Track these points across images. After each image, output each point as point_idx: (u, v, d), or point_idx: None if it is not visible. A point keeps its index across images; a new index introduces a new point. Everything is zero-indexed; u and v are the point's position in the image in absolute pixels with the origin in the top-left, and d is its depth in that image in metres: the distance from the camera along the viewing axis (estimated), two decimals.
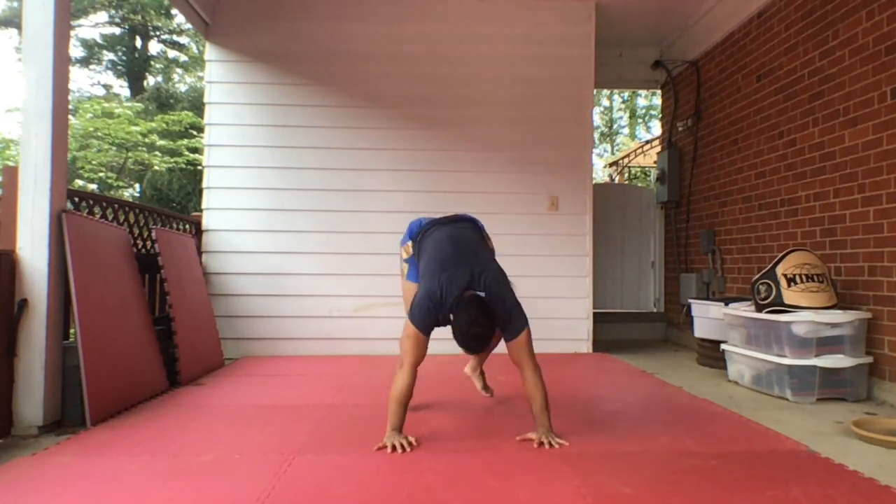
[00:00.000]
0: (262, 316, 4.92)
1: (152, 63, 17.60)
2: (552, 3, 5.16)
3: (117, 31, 16.81)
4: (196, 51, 16.78)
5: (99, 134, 12.24)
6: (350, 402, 3.28)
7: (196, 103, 14.27)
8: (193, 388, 3.61)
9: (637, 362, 4.68)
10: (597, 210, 5.34)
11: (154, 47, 17.80)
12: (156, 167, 13.41)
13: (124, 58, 16.94)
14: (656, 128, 16.09)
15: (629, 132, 19.72)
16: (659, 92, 6.96)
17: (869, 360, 3.38)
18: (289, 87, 5.06)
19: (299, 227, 5.00)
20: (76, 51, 15.95)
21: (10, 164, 3.37)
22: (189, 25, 5.56)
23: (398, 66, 5.10)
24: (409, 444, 2.39)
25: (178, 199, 13.88)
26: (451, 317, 2.41)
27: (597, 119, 19.32)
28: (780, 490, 2.00)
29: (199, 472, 2.16)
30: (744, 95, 4.83)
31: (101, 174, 12.80)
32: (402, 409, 2.44)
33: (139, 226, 3.97)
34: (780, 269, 3.53)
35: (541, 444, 2.42)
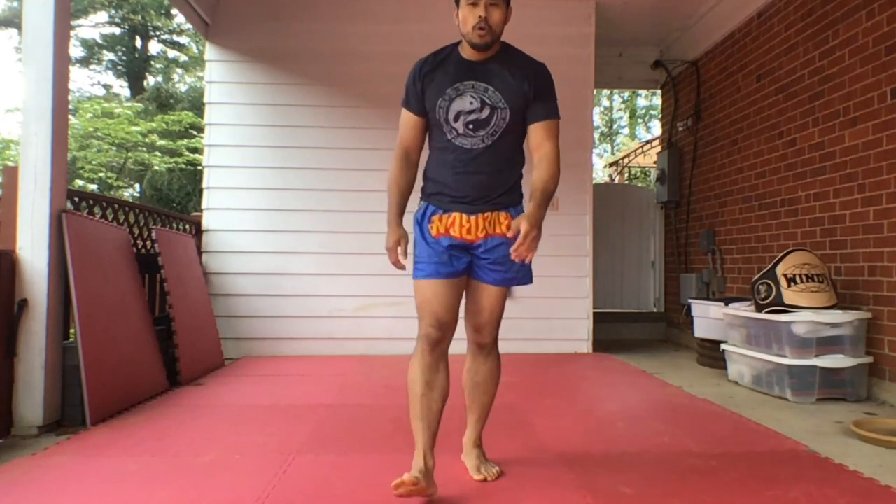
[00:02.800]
0: (262, 316, 4.92)
1: (152, 63, 17.60)
2: (552, 3, 5.16)
3: (117, 31, 16.80)
4: (196, 51, 16.77)
5: (99, 134, 12.23)
6: (350, 402, 3.28)
7: (196, 103, 14.26)
8: (193, 388, 3.61)
9: (637, 362, 4.68)
10: (597, 210, 5.34)
11: (154, 47, 17.81)
12: (156, 167, 13.41)
13: (124, 58, 16.94)
14: (656, 128, 16.08)
15: (629, 132, 19.72)
16: (659, 92, 6.97)
17: (869, 360, 3.38)
18: (289, 87, 5.06)
19: (299, 227, 5.00)
20: (76, 51, 15.95)
21: (10, 164, 3.37)
22: (189, 25, 5.57)
23: (398, 66, 5.03)
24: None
25: (178, 199, 13.87)
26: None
27: (597, 119, 19.32)
28: (780, 490, 2.00)
29: (199, 472, 2.16)
30: (744, 95, 4.83)
31: (101, 174, 12.80)
32: (396, 194, 2.03)
33: (139, 226, 3.97)
34: (780, 269, 3.53)
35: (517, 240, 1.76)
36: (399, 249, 2.00)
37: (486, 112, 1.91)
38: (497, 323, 2.06)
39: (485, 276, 1.99)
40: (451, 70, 1.94)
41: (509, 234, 1.81)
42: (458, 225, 1.94)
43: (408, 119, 2.03)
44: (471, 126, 1.92)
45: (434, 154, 2.04)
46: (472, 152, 1.94)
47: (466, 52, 1.95)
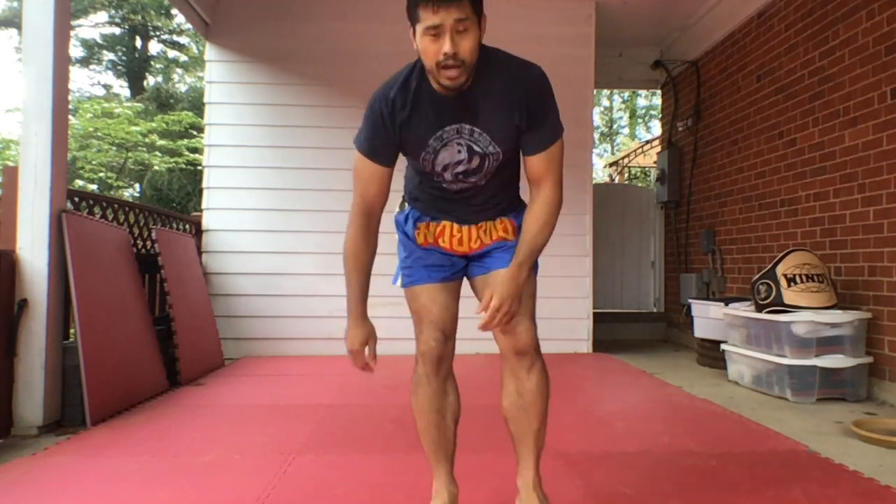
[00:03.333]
0: (262, 316, 4.92)
1: (152, 63, 17.60)
2: (552, 3, 5.16)
3: (117, 31, 16.80)
4: (196, 51, 16.77)
5: (99, 134, 12.23)
6: (350, 402, 3.28)
7: (196, 103, 14.25)
8: (193, 388, 3.61)
9: (637, 362, 4.68)
10: (597, 210, 5.34)
11: (154, 47, 17.81)
12: (156, 167, 13.41)
13: (124, 58, 16.94)
14: (656, 128, 16.08)
15: (629, 132, 19.73)
16: (659, 92, 6.97)
17: (869, 360, 3.38)
18: (289, 87, 5.06)
19: (299, 227, 5.00)
20: (76, 51, 15.95)
21: (10, 164, 3.37)
22: (189, 25, 5.57)
23: (398, 66, 5.06)
24: (371, 358, 1.68)
25: (178, 199, 13.87)
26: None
27: (597, 119, 19.32)
28: (780, 490, 2.00)
29: (199, 472, 2.16)
30: (744, 95, 4.83)
31: (101, 174, 12.80)
32: (355, 273, 1.64)
33: (139, 226, 3.97)
34: (780, 269, 3.53)
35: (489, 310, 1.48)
36: (367, 350, 1.64)
37: (475, 161, 1.55)
38: (532, 313, 1.65)
39: (493, 263, 1.66)
40: (428, 113, 1.50)
41: (477, 311, 1.49)
42: (449, 235, 1.66)
43: (372, 172, 1.55)
44: (460, 176, 1.58)
45: (414, 174, 1.69)
46: (462, 192, 1.63)
47: (438, 85, 1.47)
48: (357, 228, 1.60)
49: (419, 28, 1.40)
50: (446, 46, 1.36)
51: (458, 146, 1.52)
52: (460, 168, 1.56)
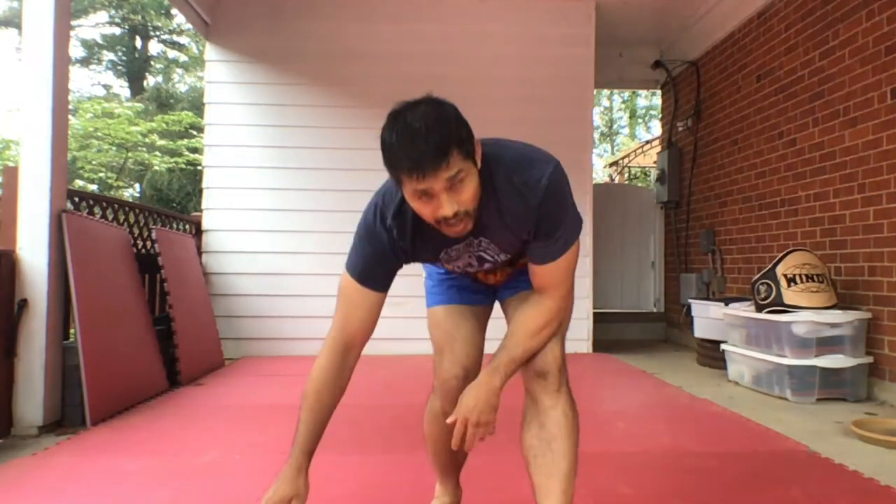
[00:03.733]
0: (263, 316, 4.92)
1: (152, 63, 17.60)
2: (552, 3, 5.16)
3: (117, 31, 16.80)
4: (196, 51, 16.77)
5: (99, 134, 12.23)
6: (350, 402, 3.26)
7: (196, 103, 14.25)
8: (193, 388, 3.61)
9: (637, 362, 4.68)
10: (597, 210, 5.34)
11: (154, 47, 17.81)
12: (156, 167, 13.41)
13: (124, 58, 16.93)
14: (656, 128, 16.08)
15: (629, 132, 19.73)
16: (659, 92, 6.97)
17: (869, 360, 3.38)
18: (289, 87, 5.06)
19: (299, 227, 5.00)
20: (76, 51, 15.94)
21: (10, 164, 3.37)
22: (189, 25, 5.57)
23: (398, 66, 5.10)
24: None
25: (178, 199, 13.87)
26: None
27: (597, 119, 19.32)
28: (780, 490, 2.00)
29: (199, 472, 2.16)
30: (744, 95, 4.83)
31: (101, 174, 12.80)
32: (311, 414, 1.38)
33: (139, 226, 3.97)
34: (780, 270, 3.53)
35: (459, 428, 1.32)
36: None
37: (487, 265, 1.44)
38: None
39: (522, 284, 1.47)
40: (427, 237, 1.32)
41: (448, 420, 1.32)
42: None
43: (363, 297, 1.36)
44: (471, 271, 1.49)
45: None
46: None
47: None
48: (328, 363, 1.35)
49: (405, 189, 1.18)
50: (443, 210, 1.16)
51: (468, 259, 1.40)
52: (471, 269, 1.46)
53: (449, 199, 1.15)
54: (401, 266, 1.38)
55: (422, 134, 1.11)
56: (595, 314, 5.16)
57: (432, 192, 1.14)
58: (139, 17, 16.17)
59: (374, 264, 1.34)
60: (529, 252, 1.36)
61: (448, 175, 1.13)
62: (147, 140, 12.81)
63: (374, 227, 1.32)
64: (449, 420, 1.31)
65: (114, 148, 12.81)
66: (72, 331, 3.01)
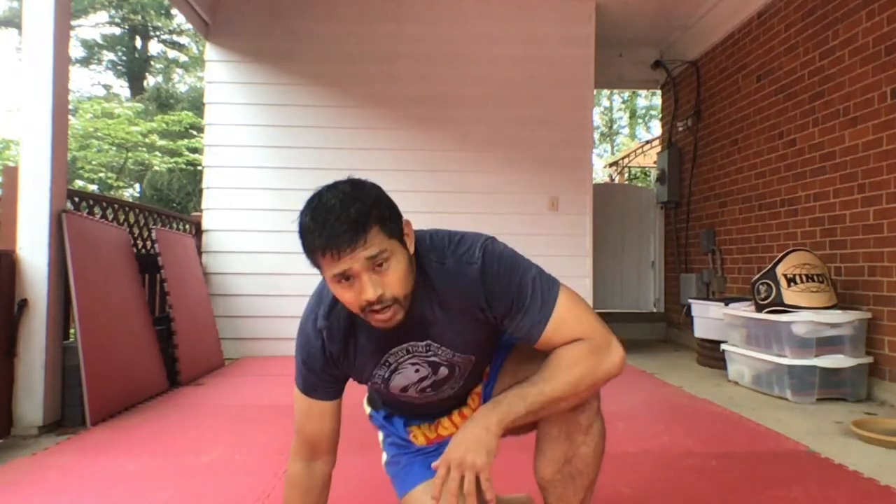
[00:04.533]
0: (263, 316, 4.92)
1: (152, 63, 17.61)
2: (552, 4, 5.16)
3: (117, 31, 16.80)
4: (196, 51, 16.77)
5: (99, 134, 12.24)
6: (350, 402, 3.27)
7: (196, 103, 14.26)
8: (193, 388, 3.61)
9: (637, 362, 4.68)
10: (597, 210, 5.34)
11: (154, 47, 17.81)
12: (156, 167, 13.42)
13: (124, 58, 16.94)
14: (656, 128, 16.09)
15: (629, 132, 19.73)
16: (659, 92, 6.96)
17: (869, 360, 3.38)
18: (289, 87, 5.07)
19: None
20: (76, 51, 15.95)
21: (10, 164, 3.38)
22: (189, 25, 5.57)
23: (398, 66, 5.10)
24: None
25: (178, 199, 13.87)
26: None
27: (597, 119, 19.33)
28: (780, 490, 2.00)
29: (199, 473, 2.16)
30: (744, 95, 4.83)
31: (101, 174, 12.80)
32: None
33: (139, 226, 3.97)
34: (780, 270, 3.53)
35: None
36: None
37: (443, 372, 1.28)
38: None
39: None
40: (364, 342, 1.23)
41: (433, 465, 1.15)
42: (450, 423, 1.38)
43: (310, 406, 1.29)
44: (429, 390, 1.31)
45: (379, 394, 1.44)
46: (440, 401, 1.37)
47: None
48: (294, 479, 1.30)
49: (324, 274, 1.10)
50: (366, 293, 1.06)
51: (414, 366, 1.25)
52: (426, 383, 1.29)
53: (371, 281, 1.05)
54: (344, 375, 1.27)
55: (335, 211, 1.03)
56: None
57: (352, 274, 1.06)
58: (139, 17, 16.18)
59: (310, 375, 1.26)
60: (516, 334, 1.21)
61: (367, 254, 1.04)
62: (147, 140, 12.82)
63: (305, 335, 1.25)
64: (433, 465, 1.13)
65: (114, 148, 12.82)
66: (72, 331, 3.01)
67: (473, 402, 1.35)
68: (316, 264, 1.11)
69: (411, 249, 1.13)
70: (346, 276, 1.07)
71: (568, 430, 1.22)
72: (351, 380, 1.32)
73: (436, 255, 1.18)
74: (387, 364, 1.24)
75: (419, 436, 1.38)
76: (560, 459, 1.24)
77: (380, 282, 1.06)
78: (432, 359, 1.24)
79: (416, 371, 1.26)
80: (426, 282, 1.17)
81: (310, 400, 1.28)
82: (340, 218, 1.03)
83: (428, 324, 1.20)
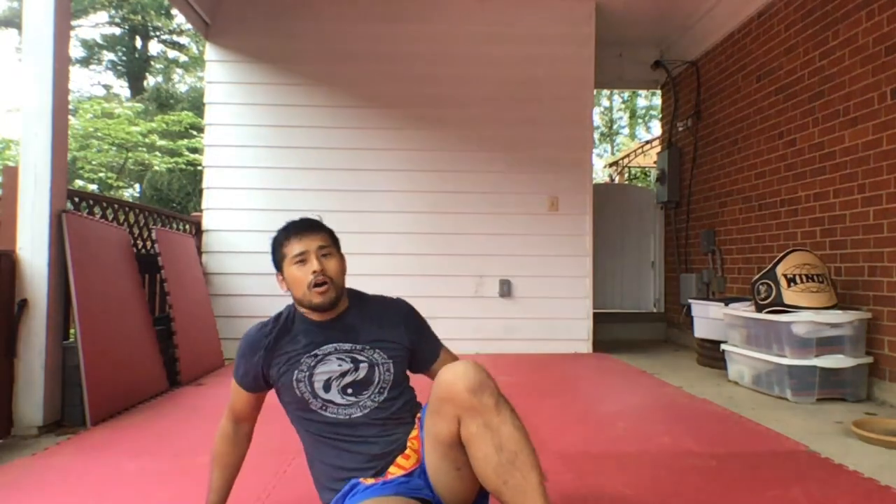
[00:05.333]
0: (262, 316, 4.86)
1: (152, 63, 17.60)
2: (552, 3, 5.16)
3: (117, 31, 16.80)
4: (196, 51, 16.77)
5: (99, 134, 12.23)
6: None
7: (196, 103, 14.27)
8: (193, 388, 3.61)
9: (637, 362, 4.68)
10: (597, 210, 5.34)
11: (154, 47, 17.81)
12: (156, 167, 13.41)
13: (124, 58, 16.93)
14: (656, 128, 16.09)
15: (629, 132, 19.73)
16: (659, 92, 6.97)
17: (869, 360, 3.38)
18: (289, 87, 5.06)
19: None
20: (76, 51, 15.95)
21: (10, 164, 3.37)
22: (189, 25, 5.57)
23: (398, 66, 5.10)
24: None
25: (178, 199, 13.87)
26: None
27: (597, 119, 19.33)
28: (780, 490, 2.00)
29: (200, 473, 2.15)
30: (744, 95, 4.83)
31: (101, 174, 12.80)
32: (218, 472, 1.64)
33: (139, 226, 3.97)
34: (780, 270, 3.53)
35: None
36: None
37: (363, 370, 1.53)
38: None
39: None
40: (299, 337, 1.56)
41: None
42: (396, 468, 1.47)
43: (240, 393, 1.63)
44: (350, 391, 1.51)
45: (311, 442, 1.59)
46: (367, 422, 1.51)
47: (311, 315, 1.58)
48: (223, 432, 1.65)
49: (287, 263, 1.56)
50: (313, 265, 1.52)
51: (338, 360, 1.54)
52: (347, 379, 1.52)
53: (318, 260, 1.53)
54: (264, 372, 1.58)
55: (301, 220, 1.61)
56: (595, 314, 5.16)
57: (306, 257, 1.53)
58: (139, 17, 16.18)
59: (246, 367, 1.60)
60: (420, 359, 1.67)
61: (319, 243, 1.55)
62: (147, 140, 12.82)
63: (251, 333, 1.62)
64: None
65: (114, 148, 12.82)
66: (72, 331, 3.01)
67: (414, 444, 1.47)
68: (281, 257, 1.58)
69: (346, 270, 1.61)
70: (302, 258, 1.53)
71: (482, 420, 1.31)
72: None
73: (370, 295, 1.70)
74: (314, 356, 1.54)
75: (369, 480, 1.47)
76: (492, 451, 1.31)
77: (324, 264, 1.54)
78: (354, 356, 1.55)
79: (339, 365, 1.54)
80: (360, 300, 1.66)
81: (237, 387, 1.63)
82: (305, 221, 1.61)
83: (358, 330, 1.58)
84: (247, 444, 1.69)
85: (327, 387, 1.52)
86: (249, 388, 1.61)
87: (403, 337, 1.62)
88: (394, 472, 1.47)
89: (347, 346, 1.55)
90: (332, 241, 1.60)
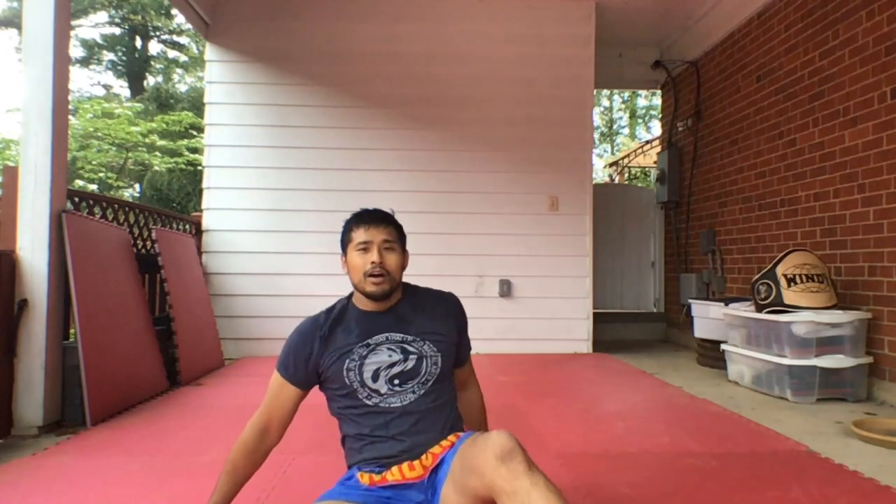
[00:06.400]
0: (262, 316, 4.92)
1: (152, 63, 17.60)
2: (552, 3, 5.16)
3: (117, 31, 16.80)
4: (196, 51, 16.77)
5: (99, 134, 12.23)
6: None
7: (196, 103, 14.27)
8: (193, 388, 3.61)
9: (637, 362, 4.68)
10: (597, 210, 5.34)
11: (154, 47, 17.81)
12: (156, 167, 13.41)
13: (124, 58, 16.93)
14: (656, 128, 16.09)
15: (629, 132, 19.72)
16: (659, 92, 6.97)
17: (869, 360, 3.38)
18: (289, 87, 5.07)
19: (299, 227, 5.00)
20: (76, 51, 15.95)
21: (10, 164, 3.38)
22: (189, 25, 5.57)
23: (398, 66, 5.10)
24: None
25: (178, 199, 13.87)
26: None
27: (597, 119, 19.33)
28: (780, 490, 2.00)
29: (199, 472, 2.16)
30: (744, 95, 4.83)
31: (101, 174, 12.79)
32: (228, 479, 1.58)
33: (139, 226, 3.97)
34: (780, 270, 3.53)
35: None
36: None
37: (411, 361, 1.56)
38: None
39: (451, 456, 1.48)
40: (352, 326, 1.59)
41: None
42: (398, 471, 1.50)
43: (284, 391, 1.60)
44: (396, 382, 1.54)
45: (351, 423, 1.60)
46: (404, 412, 1.54)
47: (365, 305, 1.61)
48: (246, 441, 1.60)
49: (351, 248, 1.59)
50: (374, 256, 1.54)
51: (388, 350, 1.56)
52: (396, 370, 1.55)
53: (379, 252, 1.56)
54: (317, 364, 1.58)
55: (374, 210, 1.64)
56: (595, 314, 5.16)
57: (370, 246, 1.56)
58: (139, 17, 16.18)
59: (292, 353, 1.61)
60: (461, 353, 1.71)
61: (384, 236, 1.58)
62: (147, 140, 12.81)
63: (305, 325, 1.63)
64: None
65: (114, 148, 12.81)
66: (72, 331, 3.01)
67: (426, 460, 1.49)
68: (347, 240, 1.61)
69: (406, 265, 1.63)
70: (365, 247, 1.56)
71: (512, 484, 1.25)
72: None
73: (424, 287, 1.74)
74: (367, 345, 1.56)
75: (365, 477, 1.53)
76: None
77: (384, 256, 1.56)
78: (404, 346, 1.57)
79: (389, 355, 1.56)
80: (414, 293, 1.68)
81: (284, 382, 1.61)
82: (377, 212, 1.63)
83: (409, 321, 1.61)
84: (263, 459, 1.63)
85: (375, 376, 1.54)
86: (298, 383, 1.60)
87: (452, 331, 1.65)
88: (394, 475, 1.49)
89: (399, 336, 1.57)
90: (397, 237, 1.62)
